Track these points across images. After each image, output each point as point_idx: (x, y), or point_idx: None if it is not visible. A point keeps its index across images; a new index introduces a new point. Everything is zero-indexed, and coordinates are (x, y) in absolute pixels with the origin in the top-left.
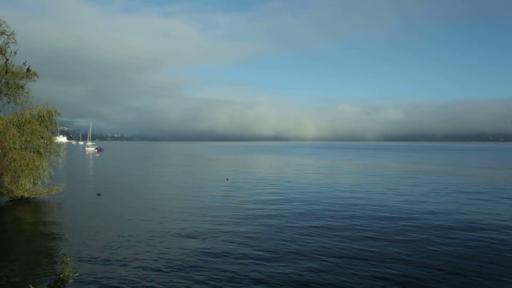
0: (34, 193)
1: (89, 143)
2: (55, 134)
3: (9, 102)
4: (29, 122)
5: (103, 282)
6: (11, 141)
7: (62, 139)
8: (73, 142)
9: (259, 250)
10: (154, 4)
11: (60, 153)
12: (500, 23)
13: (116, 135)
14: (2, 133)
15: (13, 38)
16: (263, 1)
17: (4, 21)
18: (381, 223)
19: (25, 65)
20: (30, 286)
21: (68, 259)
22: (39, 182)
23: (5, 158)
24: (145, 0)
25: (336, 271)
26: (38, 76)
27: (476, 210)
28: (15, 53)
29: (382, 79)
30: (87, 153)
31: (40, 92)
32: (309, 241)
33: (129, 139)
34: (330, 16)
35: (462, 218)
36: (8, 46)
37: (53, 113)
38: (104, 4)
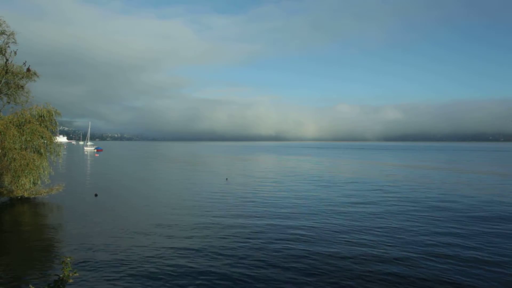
0: (34, 193)
1: (88, 143)
2: (55, 134)
3: (9, 102)
4: (29, 122)
5: (103, 281)
6: (11, 141)
7: (62, 139)
8: (73, 142)
9: (257, 250)
10: (150, 6)
11: (60, 153)
12: (500, 23)
13: (116, 135)
14: (2, 133)
15: (13, 38)
16: (257, 4)
17: (4, 21)
18: (377, 221)
19: (25, 65)
20: (30, 286)
21: (68, 259)
22: (39, 182)
23: (5, 158)
24: (141, 3)
25: (339, 271)
26: (38, 76)
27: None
28: (15, 53)
29: (380, 79)
30: (86, 153)
31: (40, 92)
32: (301, 239)
33: (129, 139)
34: (327, 17)
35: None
36: (8, 46)
37: (53, 113)
38: (101, 6)
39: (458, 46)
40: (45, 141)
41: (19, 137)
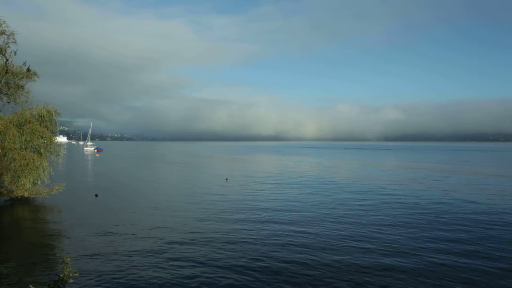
0: (34, 193)
1: (88, 143)
2: (55, 134)
3: (9, 102)
4: (29, 122)
5: (103, 282)
6: (11, 141)
7: (62, 139)
8: (73, 142)
9: (256, 251)
10: (149, 6)
11: (60, 153)
12: (500, 23)
13: (116, 135)
14: (2, 133)
15: (13, 38)
16: (255, 5)
17: (4, 21)
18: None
19: (25, 65)
20: (30, 286)
21: (68, 259)
22: (39, 182)
23: (5, 158)
24: (140, 3)
25: (338, 270)
26: (38, 76)
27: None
28: (15, 53)
29: (380, 79)
30: (86, 153)
31: (40, 92)
32: (301, 240)
33: (129, 139)
34: (327, 17)
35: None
36: (8, 46)
37: (53, 113)
38: (101, 6)
39: (458, 46)
40: (45, 141)
41: (19, 137)
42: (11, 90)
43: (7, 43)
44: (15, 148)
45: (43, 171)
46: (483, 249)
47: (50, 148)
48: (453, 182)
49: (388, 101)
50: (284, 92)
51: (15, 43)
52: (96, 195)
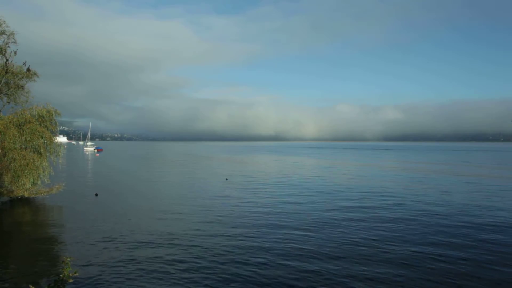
0: (34, 193)
1: (88, 143)
2: (55, 134)
3: (9, 102)
4: (29, 122)
5: (103, 282)
6: (11, 141)
7: (62, 139)
8: (73, 142)
9: (256, 250)
10: (149, 6)
11: (60, 153)
12: (500, 23)
13: (116, 135)
14: (2, 133)
15: (13, 38)
16: (255, 5)
17: (4, 21)
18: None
19: (25, 65)
20: (30, 286)
21: (68, 259)
22: (39, 182)
23: (5, 158)
24: (140, 3)
25: (337, 271)
26: (38, 76)
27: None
28: (15, 53)
29: (380, 79)
30: (86, 153)
31: (40, 92)
32: (302, 240)
33: (129, 139)
34: (326, 17)
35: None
36: (8, 46)
37: (53, 113)
38: (101, 6)
39: (458, 46)
40: (45, 141)
41: (19, 137)
42: (11, 90)
43: (7, 43)
44: (15, 148)
45: (43, 171)
46: (485, 247)
47: (50, 148)
48: (454, 182)
49: (388, 101)
50: (284, 92)
51: (15, 43)
52: (96, 195)
